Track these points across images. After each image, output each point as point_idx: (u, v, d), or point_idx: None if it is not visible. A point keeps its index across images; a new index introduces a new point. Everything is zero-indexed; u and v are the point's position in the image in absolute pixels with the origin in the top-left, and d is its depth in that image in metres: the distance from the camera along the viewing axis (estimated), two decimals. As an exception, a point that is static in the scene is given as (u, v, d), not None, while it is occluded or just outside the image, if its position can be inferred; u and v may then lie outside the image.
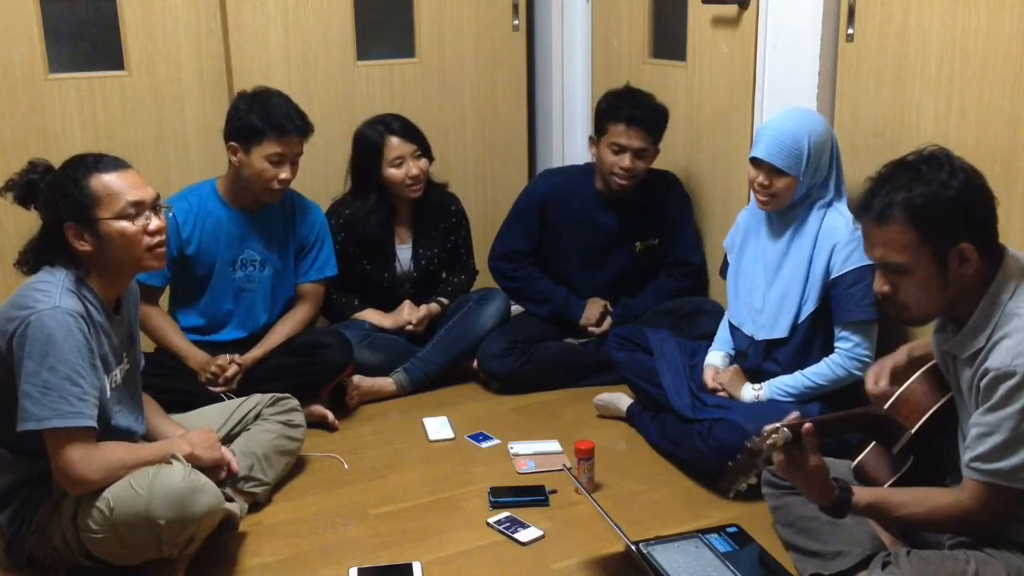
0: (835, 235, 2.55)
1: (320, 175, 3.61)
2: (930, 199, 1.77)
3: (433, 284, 3.49)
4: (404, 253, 3.42)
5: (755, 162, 2.58)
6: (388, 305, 3.41)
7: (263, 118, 2.87)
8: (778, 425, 1.84)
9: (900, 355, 2.15)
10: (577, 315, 3.38)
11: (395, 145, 3.25)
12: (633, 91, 3.28)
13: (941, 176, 1.77)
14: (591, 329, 3.36)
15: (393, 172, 3.26)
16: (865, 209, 1.85)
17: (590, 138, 3.36)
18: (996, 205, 1.83)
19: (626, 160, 3.20)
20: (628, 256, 3.42)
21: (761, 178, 2.57)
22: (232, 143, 2.91)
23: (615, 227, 3.38)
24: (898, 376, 2.11)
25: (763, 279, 2.70)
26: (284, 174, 2.91)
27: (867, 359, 2.51)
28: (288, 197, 3.08)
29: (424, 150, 3.31)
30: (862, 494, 1.88)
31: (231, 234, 2.99)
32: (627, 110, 3.19)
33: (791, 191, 2.56)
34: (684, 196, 3.43)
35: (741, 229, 2.81)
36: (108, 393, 2.13)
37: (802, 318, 2.61)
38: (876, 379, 2.13)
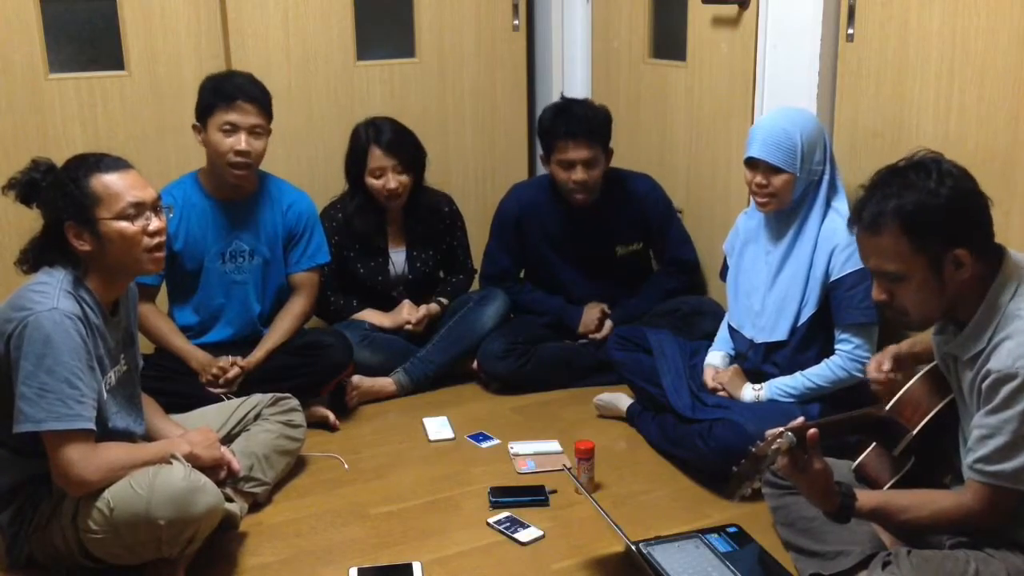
0: (834, 238, 2.54)
1: (320, 175, 3.62)
2: (919, 206, 1.77)
3: (428, 286, 3.48)
4: (398, 256, 3.41)
5: (750, 163, 2.58)
6: (385, 306, 3.40)
7: (214, 91, 2.84)
8: (782, 430, 1.84)
9: (903, 344, 2.16)
10: (575, 323, 3.38)
11: (377, 156, 3.21)
12: (568, 103, 3.25)
13: (929, 184, 1.78)
14: (591, 336, 3.35)
15: (372, 182, 3.24)
16: (857, 219, 1.86)
17: (540, 158, 3.35)
18: (989, 206, 1.82)
19: (577, 173, 3.19)
20: (610, 261, 3.40)
21: (759, 178, 2.56)
22: (195, 124, 2.89)
23: (590, 232, 3.36)
24: (900, 362, 2.11)
25: (763, 282, 2.69)
26: (239, 144, 2.82)
27: (867, 361, 2.49)
28: (274, 185, 3.04)
29: (408, 165, 3.25)
30: (865, 499, 1.88)
31: (218, 226, 2.95)
32: (564, 125, 3.17)
33: (790, 189, 2.55)
34: (664, 200, 3.41)
35: (740, 232, 2.81)
36: (104, 395, 2.13)
37: (801, 321, 2.60)
38: (879, 364, 2.13)
